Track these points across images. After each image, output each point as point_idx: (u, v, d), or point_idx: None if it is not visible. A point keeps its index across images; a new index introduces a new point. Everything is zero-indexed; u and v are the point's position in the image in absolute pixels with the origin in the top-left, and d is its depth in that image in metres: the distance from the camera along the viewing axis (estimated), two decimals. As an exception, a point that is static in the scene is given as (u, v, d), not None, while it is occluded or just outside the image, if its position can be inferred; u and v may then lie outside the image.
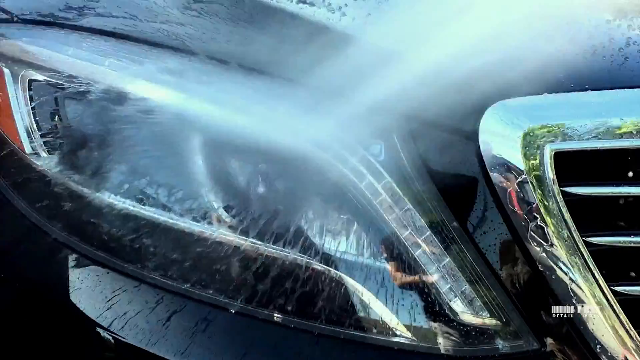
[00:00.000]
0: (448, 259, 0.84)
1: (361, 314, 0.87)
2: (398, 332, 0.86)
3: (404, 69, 0.84)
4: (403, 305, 0.86)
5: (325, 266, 0.86)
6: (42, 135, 0.88)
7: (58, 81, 0.87)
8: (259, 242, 0.86)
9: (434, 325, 0.86)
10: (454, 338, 0.86)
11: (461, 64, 0.84)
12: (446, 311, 0.85)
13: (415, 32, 0.89)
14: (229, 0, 0.93)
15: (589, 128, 0.82)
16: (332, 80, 0.86)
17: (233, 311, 0.87)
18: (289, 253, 0.85)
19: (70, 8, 0.93)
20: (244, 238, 0.86)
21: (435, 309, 0.85)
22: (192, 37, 0.90)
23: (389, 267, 0.85)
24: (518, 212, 0.83)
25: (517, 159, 0.83)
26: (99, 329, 0.87)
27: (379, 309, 0.86)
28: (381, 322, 0.86)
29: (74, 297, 0.87)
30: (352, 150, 0.84)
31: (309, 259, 0.85)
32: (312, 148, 0.83)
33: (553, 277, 0.83)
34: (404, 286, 0.86)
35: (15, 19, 0.91)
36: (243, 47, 0.89)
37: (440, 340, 0.86)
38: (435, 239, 0.84)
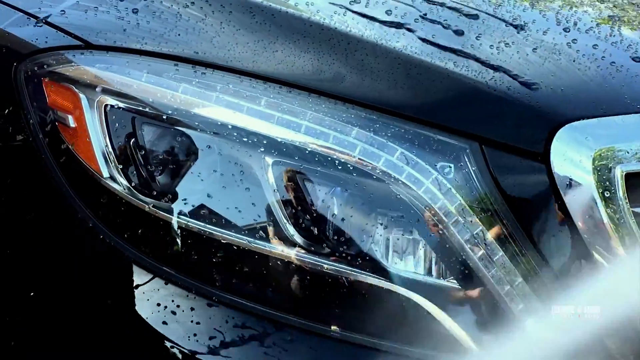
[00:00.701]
0: (520, 279, 0.85)
1: (430, 333, 0.88)
2: (470, 351, 0.87)
3: (476, 92, 0.86)
4: (474, 324, 0.87)
5: (394, 285, 0.87)
6: (118, 160, 0.89)
7: (133, 106, 0.89)
8: (330, 262, 0.87)
9: (506, 344, 0.87)
10: (524, 357, 0.87)
11: (532, 86, 0.86)
12: (518, 330, 0.86)
13: (484, 57, 0.90)
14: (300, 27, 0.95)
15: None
16: (403, 103, 0.88)
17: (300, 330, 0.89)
18: (362, 274, 0.87)
19: (143, 33, 0.94)
20: (317, 259, 0.87)
21: (508, 328, 0.86)
22: (261, 61, 0.91)
23: (460, 286, 0.86)
24: (590, 232, 0.84)
25: (588, 180, 0.84)
26: (167, 343, 0.88)
27: (449, 329, 0.87)
28: (452, 341, 0.87)
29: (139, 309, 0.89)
30: (424, 172, 0.85)
31: (381, 279, 0.87)
32: (384, 169, 0.85)
33: (622, 292, 0.84)
34: (476, 305, 0.87)
35: (88, 45, 0.93)
36: (312, 71, 0.91)
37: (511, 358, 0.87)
38: (508, 259, 0.85)
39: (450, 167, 0.86)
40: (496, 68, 0.90)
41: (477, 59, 0.92)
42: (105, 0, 1.02)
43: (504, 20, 1.03)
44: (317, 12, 1.00)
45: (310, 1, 1.04)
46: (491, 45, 0.95)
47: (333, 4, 1.04)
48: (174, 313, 0.89)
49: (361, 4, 1.05)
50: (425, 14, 1.03)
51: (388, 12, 1.02)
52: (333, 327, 0.88)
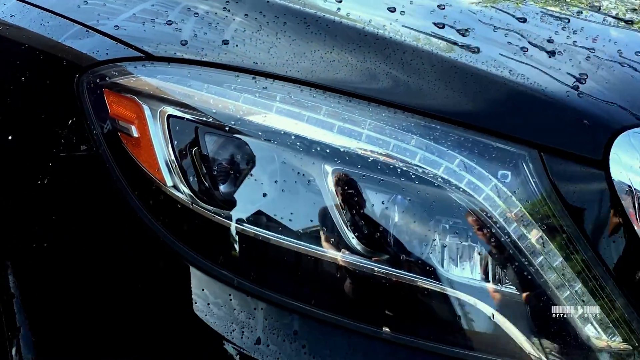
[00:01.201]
0: (580, 285, 0.86)
1: (491, 339, 0.89)
2: (530, 357, 0.88)
3: (534, 100, 0.87)
4: (535, 331, 0.88)
5: (454, 291, 0.88)
6: (181, 169, 0.91)
7: (195, 116, 0.91)
8: (392, 270, 0.88)
9: (566, 350, 0.88)
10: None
11: (589, 92, 0.87)
12: (579, 336, 0.87)
13: (539, 64, 0.92)
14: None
15: None
16: (462, 111, 0.89)
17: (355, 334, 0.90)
18: (421, 279, 0.88)
19: (201, 44, 0.96)
20: (374, 264, 0.88)
21: (567, 334, 0.87)
22: (319, 71, 0.93)
23: (520, 293, 0.87)
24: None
25: (649, 187, 0.85)
26: (225, 344, 0.90)
27: (510, 334, 0.88)
28: (513, 348, 0.88)
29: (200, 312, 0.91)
30: (484, 179, 0.86)
31: (440, 285, 0.88)
32: (444, 177, 0.86)
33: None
34: (536, 312, 0.88)
35: (149, 57, 0.95)
36: (370, 80, 0.92)
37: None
38: (568, 265, 0.86)
39: (509, 174, 0.87)
40: (552, 76, 0.91)
41: (532, 66, 0.93)
42: (160, 12, 1.04)
43: (554, 28, 1.04)
44: (370, 22, 1.02)
45: (361, 11, 1.05)
46: (546, 53, 0.96)
47: (383, 15, 1.06)
48: (233, 316, 0.91)
49: (412, 14, 1.06)
50: (478, 23, 1.04)
51: (439, 25, 1.04)
52: (385, 330, 0.90)
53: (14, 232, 1.01)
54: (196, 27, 1.00)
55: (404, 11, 1.07)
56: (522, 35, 1.00)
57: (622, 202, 0.85)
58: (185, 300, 0.92)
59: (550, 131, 0.88)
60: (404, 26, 1.02)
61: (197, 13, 1.03)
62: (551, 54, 0.97)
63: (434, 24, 1.05)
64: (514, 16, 1.06)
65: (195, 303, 0.91)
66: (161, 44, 0.97)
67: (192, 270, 0.92)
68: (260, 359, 0.90)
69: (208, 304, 0.92)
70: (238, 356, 0.91)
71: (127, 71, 0.96)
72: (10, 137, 1.02)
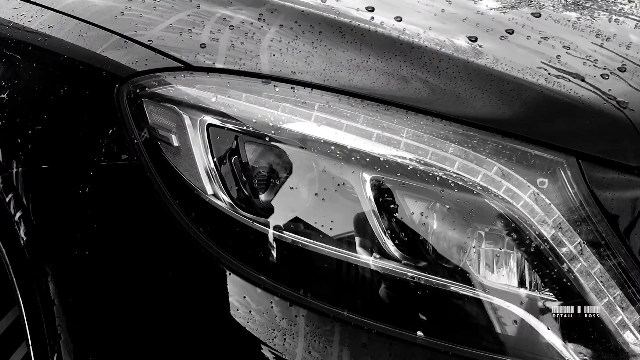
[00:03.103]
0: (619, 291, 0.87)
1: (531, 345, 0.89)
2: (569, 363, 0.88)
3: (571, 107, 0.87)
4: (573, 337, 0.88)
5: (493, 297, 0.89)
6: (221, 177, 0.92)
7: (235, 126, 0.92)
8: (428, 275, 0.89)
9: (604, 356, 0.88)
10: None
11: (624, 101, 0.87)
12: (617, 342, 0.87)
13: (575, 72, 0.92)
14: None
15: None
16: (499, 119, 0.90)
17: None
18: (460, 286, 0.88)
19: (239, 54, 0.98)
20: (413, 271, 0.89)
21: (606, 340, 0.87)
22: (356, 80, 0.94)
23: (558, 299, 0.88)
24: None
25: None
26: (265, 350, 0.91)
27: (550, 340, 0.89)
28: (552, 353, 0.88)
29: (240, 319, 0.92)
30: (522, 186, 0.87)
31: (478, 291, 0.88)
32: (483, 184, 0.87)
33: None
34: (574, 318, 0.88)
35: (188, 67, 0.97)
36: (407, 88, 0.93)
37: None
38: (606, 271, 0.86)
39: (547, 181, 0.88)
40: (589, 83, 0.92)
41: (569, 74, 0.93)
42: (197, 22, 1.06)
43: (588, 35, 1.04)
44: (404, 31, 1.03)
45: (395, 20, 1.06)
46: (580, 60, 0.97)
47: (416, 24, 1.07)
48: (273, 322, 0.92)
49: (444, 23, 1.07)
50: (512, 31, 1.04)
51: (472, 39, 1.04)
52: (419, 334, 0.90)
53: (56, 239, 1.03)
54: (233, 37, 1.02)
55: (436, 18, 1.07)
56: (557, 42, 1.01)
57: (661, 208, 0.85)
58: (227, 307, 0.93)
59: (588, 138, 0.88)
60: (437, 34, 1.03)
61: (232, 25, 1.05)
62: (587, 60, 0.97)
63: (469, 39, 1.05)
64: (548, 28, 1.07)
65: (237, 310, 0.92)
66: (200, 53, 0.99)
67: (233, 277, 0.93)
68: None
69: (250, 311, 0.93)
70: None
71: (166, 81, 0.97)
72: (52, 147, 1.04)
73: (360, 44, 0.99)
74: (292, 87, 0.94)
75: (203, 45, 1.01)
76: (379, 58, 0.97)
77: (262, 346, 0.92)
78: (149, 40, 1.03)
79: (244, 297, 0.92)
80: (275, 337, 0.91)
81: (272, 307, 0.92)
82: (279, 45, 1.00)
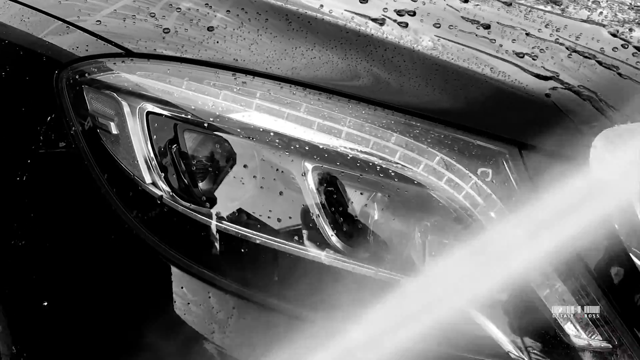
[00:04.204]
0: (560, 284, 0.86)
1: (470, 337, 0.88)
2: (510, 355, 0.87)
3: (514, 98, 0.86)
4: (515, 329, 0.88)
5: (440, 290, 0.88)
6: (160, 166, 0.90)
7: (174, 113, 0.90)
8: (370, 267, 0.88)
9: (546, 349, 0.87)
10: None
11: (570, 91, 0.86)
12: (559, 334, 0.86)
13: (520, 62, 0.91)
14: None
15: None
16: (442, 109, 0.89)
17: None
18: (402, 278, 0.87)
19: (182, 41, 0.96)
20: (354, 262, 0.88)
21: (547, 332, 0.87)
22: (299, 68, 0.92)
23: (501, 290, 0.87)
24: (628, 233, 0.85)
25: (629, 185, 0.85)
26: (205, 343, 0.90)
27: (490, 332, 0.88)
28: (492, 345, 0.88)
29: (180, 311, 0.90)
30: (464, 177, 0.86)
31: (422, 284, 0.87)
32: (424, 175, 0.86)
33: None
34: (516, 310, 0.87)
35: (129, 53, 0.95)
36: (351, 77, 0.92)
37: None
38: (547, 263, 0.86)
39: (489, 172, 0.87)
40: (533, 72, 0.91)
41: (514, 64, 0.92)
42: (142, 9, 1.03)
43: (538, 25, 1.03)
44: (352, 19, 1.01)
45: (344, 9, 1.05)
46: (526, 51, 0.96)
47: (366, 12, 1.05)
48: (215, 315, 0.90)
49: (395, 11, 1.05)
50: (461, 20, 1.03)
51: (422, 20, 1.03)
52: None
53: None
54: (177, 24, 1.00)
55: (386, 8, 1.06)
56: (505, 32, 1.00)
57: (602, 200, 0.85)
58: (165, 298, 0.91)
59: (531, 129, 0.88)
60: (387, 23, 1.02)
61: (179, 8, 1.02)
62: (534, 51, 0.96)
63: (420, 21, 1.04)
64: (497, 12, 1.06)
65: (175, 302, 0.90)
66: (141, 40, 0.97)
67: (171, 268, 0.91)
68: (240, 358, 0.90)
69: (187, 303, 0.91)
70: (218, 355, 0.90)
71: (106, 67, 0.95)
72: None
73: (306, 32, 0.98)
74: (233, 75, 0.92)
75: (147, 32, 0.99)
76: (324, 46, 0.95)
77: (200, 339, 0.90)
78: (91, 26, 1.01)
79: (182, 288, 0.91)
80: (214, 331, 0.89)
81: (210, 298, 0.90)
82: (223, 32, 0.98)
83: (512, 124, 0.89)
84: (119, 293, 0.94)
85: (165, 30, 0.98)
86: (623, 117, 0.87)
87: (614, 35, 1.02)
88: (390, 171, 0.86)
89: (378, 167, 0.86)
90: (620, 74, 0.93)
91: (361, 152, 0.87)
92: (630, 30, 1.05)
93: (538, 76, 0.91)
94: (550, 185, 0.86)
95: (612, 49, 0.98)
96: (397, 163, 0.86)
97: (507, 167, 0.86)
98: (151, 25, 1.00)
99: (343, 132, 0.87)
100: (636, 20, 1.10)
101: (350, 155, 0.87)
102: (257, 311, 0.91)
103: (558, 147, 0.87)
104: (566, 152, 0.87)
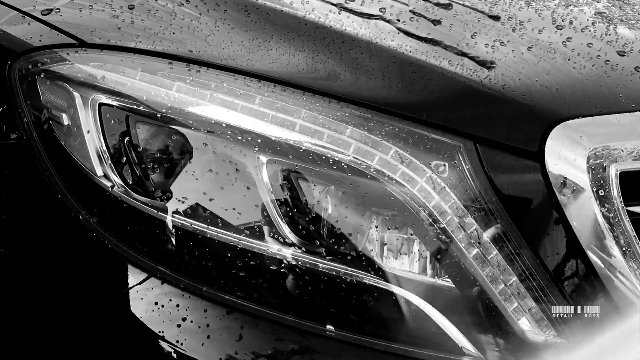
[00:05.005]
0: (515, 278, 0.85)
1: (426, 332, 0.88)
2: (465, 351, 0.87)
3: (471, 91, 0.86)
4: (469, 323, 0.87)
5: (389, 284, 0.87)
6: (112, 158, 0.89)
7: (127, 104, 0.89)
8: (324, 261, 0.87)
9: (501, 344, 0.87)
10: (519, 356, 0.87)
11: (527, 85, 0.86)
12: (513, 330, 0.86)
13: (479, 56, 0.90)
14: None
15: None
16: (398, 102, 0.88)
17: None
18: (356, 272, 0.86)
19: (137, 31, 0.94)
20: (309, 256, 0.87)
21: (501, 327, 0.86)
22: (255, 59, 0.91)
23: (455, 285, 0.86)
24: (584, 231, 0.84)
25: (582, 179, 0.84)
26: (161, 342, 0.88)
27: (444, 328, 0.87)
28: (447, 341, 0.87)
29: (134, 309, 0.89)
30: (418, 170, 0.85)
31: (376, 278, 0.87)
32: (378, 168, 0.85)
33: (618, 291, 0.84)
34: (470, 305, 0.87)
35: (83, 44, 0.93)
36: (307, 69, 0.90)
37: (505, 358, 0.87)
38: (502, 257, 0.85)
39: (444, 165, 0.86)
40: (491, 67, 0.90)
41: (472, 58, 0.91)
42: (99, -1, 1.02)
43: (499, 19, 1.02)
44: (313, 11, 1.00)
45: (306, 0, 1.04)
46: (486, 44, 0.95)
47: (329, 2, 1.04)
48: (168, 312, 0.89)
49: (356, 2, 1.04)
50: (421, 13, 1.02)
51: (382, 10, 1.02)
52: (328, 327, 0.88)
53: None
54: (134, 15, 0.98)
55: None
56: (465, 27, 0.99)
57: (557, 194, 0.84)
58: (118, 295, 0.90)
59: (487, 123, 0.87)
60: (347, 15, 1.01)
61: (135, 2, 1.01)
62: (492, 45, 0.95)
63: (379, 10, 1.03)
64: (459, 11, 1.05)
65: (127, 298, 0.89)
66: (96, 30, 0.95)
67: (124, 263, 0.90)
68: (194, 356, 0.88)
69: (141, 299, 0.90)
70: (174, 354, 0.89)
71: (60, 58, 0.93)
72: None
73: (264, 24, 0.96)
74: (187, 66, 0.90)
75: (102, 22, 0.97)
76: (282, 38, 0.94)
77: (156, 337, 0.88)
78: (47, 16, 0.99)
79: (135, 285, 0.89)
80: (167, 328, 0.88)
81: (164, 295, 0.89)
82: (180, 24, 0.97)
83: (468, 118, 0.88)
84: (71, 289, 0.92)
85: (122, 21, 0.96)
86: (579, 110, 0.86)
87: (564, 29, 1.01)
88: (343, 164, 0.85)
89: (332, 160, 0.85)
90: (578, 68, 0.92)
91: (315, 145, 0.86)
92: (593, 24, 1.04)
93: (496, 69, 0.90)
94: (506, 179, 0.86)
95: (570, 45, 0.97)
96: (352, 156, 0.85)
97: (462, 161, 0.86)
98: (107, 15, 0.98)
99: (297, 125, 0.86)
100: (606, 16, 1.10)
101: (304, 148, 0.86)
102: (212, 308, 0.90)
103: (514, 141, 0.86)
104: (522, 145, 0.86)
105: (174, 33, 0.95)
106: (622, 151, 0.86)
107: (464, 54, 0.93)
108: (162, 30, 0.96)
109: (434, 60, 0.91)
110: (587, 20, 1.06)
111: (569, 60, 0.94)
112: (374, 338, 0.88)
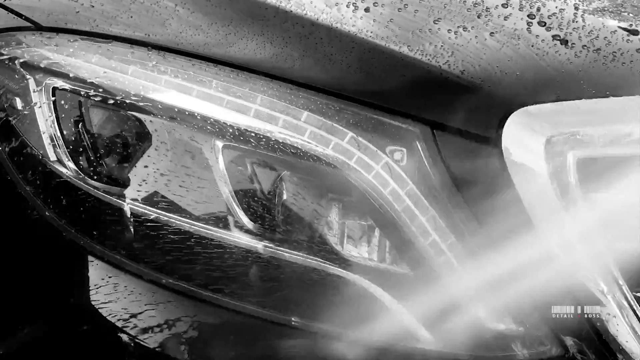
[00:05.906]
0: (472, 268, 0.84)
1: (383, 320, 0.87)
2: (421, 338, 0.86)
3: (429, 76, 0.85)
4: (426, 311, 0.86)
5: (347, 272, 0.86)
6: (66, 143, 0.88)
7: (82, 89, 0.88)
8: (281, 248, 0.86)
9: (457, 334, 0.86)
10: (476, 344, 0.86)
11: (487, 70, 0.85)
12: (470, 320, 0.85)
13: (440, 41, 0.89)
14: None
15: (607, 135, 0.83)
16: (355, 87, 0.87)
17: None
18: (314, 260, 0.86)
19: (95, 15, 0.93)
20: (266, 244, 0.86)
21: (457, 315, 0.85)
22: (212, 44, 0.90)
23: (412, 273, 0.85)
24: (542, 219, 0.83)
25: (540, 166, 0.83)
26: (120, 334, 0.87)
27: (401, 315, 0.86)
28: (403, 329, 0.86)
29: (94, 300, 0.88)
30: (375, 157, 0.84)
31: (331, 265, 0.86)
32: (335, 155, 0.84)
33: (577, 281, 0.84)
34: (427, 292, 0.86)
35: (38, 27, 0.92)
36: (264, 54, 0.89)
37: (462, 346, 0.86)
38: (459, 245, 0.84)
39: (401, 151, 0.85)
40: (452, 53, 0.89)
41: (432, 43, 0.90)
42: (59, -18, 1.00)
43: (464, 4, 1.01)
44: (275, -5, 0.99)
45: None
46: (449, 30, 0.94)
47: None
48: (125, 301, 0.88)
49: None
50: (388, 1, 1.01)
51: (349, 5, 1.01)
52: (294, 319, 0.88)
53: None
54: (93, -2, 0.97)
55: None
56: (429, 12, 0.98)
57: (514, 180, 0.83)
58: (72, 284, 0.89)
59: (444, 108, 0.86)
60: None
61: (96, -17, 0.99)
62: (455, 31, 0.94)
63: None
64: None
65: (82, 287, 0.88)
66: (53, 14, 0.94)
67: (79, 252, 0.89)
68: (154, 347, 0.88)
69: (98, 288, 0.89)
70: (132, 345, 0.88)
71: (15, 41, 0.92)
72: None
73: (224, 8, 0.95)
74: (145, 51, 0.89)
75: (59, 5, 0.96)
76: (241, 22, 0.93)
77: (114, 329, 0.87)
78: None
79: (90, 274, 0.88)
80: (126, 319, 0.87)
81: (124, 287, 0.88)
82: (139, 7, 0.96)
83: (426, 103, 0.87)
84: (23, 276, 0.91)
85: (80, 5, 0.95)
86: (539, 97, 0.85)
87: (536, 18, 1.00)
88: (299, 150, 0.84)
89: (287, 146, 0.84)
90: (541, 55, 0.91)
91: (271, 130, 0.85)
92: (561, 11, 1.03)
93: (456, 55, 0.89)
94: (462, 165, 0.85)
95: (535, 33, 0.96)
96: (307, 142, 0.84)
97: (419, 147, 0.85)
98: (66, -1, 0.97)
99: (252, 110, 0.85)
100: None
101: (260, 134, 0.84)
102: (170, 297, 0.89)
103: (472, 127, 0.85)
104: (479, 131, 0.85)
105: (132, 17, 0.94)
106: (582, 138, 0.85)
107: (425, 40, 0.92)
108: (120, 14, 0.94)
109: (393, 46, 0.90)
110: (556, 7, 1.05)
111: (532, 46, 0.93)
112: (332, 326, 0.87)
